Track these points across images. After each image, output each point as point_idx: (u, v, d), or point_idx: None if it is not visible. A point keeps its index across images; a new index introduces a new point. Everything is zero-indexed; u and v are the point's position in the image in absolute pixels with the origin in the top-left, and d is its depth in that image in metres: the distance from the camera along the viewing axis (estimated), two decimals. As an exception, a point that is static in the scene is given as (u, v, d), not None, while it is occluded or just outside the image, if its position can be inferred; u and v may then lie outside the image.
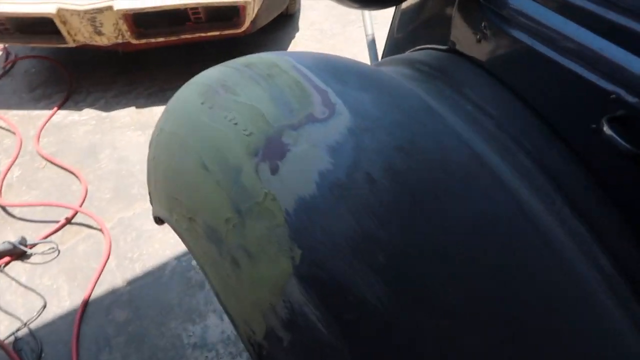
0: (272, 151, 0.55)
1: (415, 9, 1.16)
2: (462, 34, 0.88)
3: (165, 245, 2.02)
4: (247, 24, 2.61)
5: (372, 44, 1.87)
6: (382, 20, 2.34)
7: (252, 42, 3.37)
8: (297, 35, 3.58)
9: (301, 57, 0.72)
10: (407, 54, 1.09)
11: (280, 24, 3.61)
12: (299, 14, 3.85)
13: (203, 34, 2.63)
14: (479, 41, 0.83)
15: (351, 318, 0.45)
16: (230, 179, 0.56)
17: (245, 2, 2.43)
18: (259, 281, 0.51)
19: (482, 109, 0.76)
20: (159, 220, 0.97)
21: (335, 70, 0.67)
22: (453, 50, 0.92)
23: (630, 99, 0.56)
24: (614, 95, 0.58)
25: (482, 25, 0.81)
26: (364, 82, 0.66)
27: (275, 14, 3.13)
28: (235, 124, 0.60)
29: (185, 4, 2.39)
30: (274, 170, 0.53)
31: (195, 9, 2.48)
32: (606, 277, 0.56)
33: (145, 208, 2.21)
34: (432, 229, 0.48)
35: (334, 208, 0.49)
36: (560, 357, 0.47)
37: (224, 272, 0.56)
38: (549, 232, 0.54)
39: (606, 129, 0.57)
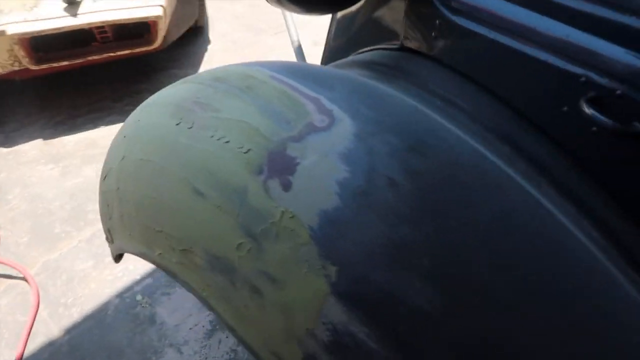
0: (279, 166, 0.51)
1: (354, 13, 1.16)
2: (415, 32, 0.90)
3: (103, 283, 1.85)
4: (159, 40, 2.49)
5: (299, 50, 1.86)
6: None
7: (164, 57, 3.22)
8: (210, 47, 3.48)
9: (273, 65, 0.69)
10: (355, 56, 1.09)
11: (191, 37, 3.49)
12: (208, 26, 3.75)
13: (112, 54, 2.46)
14: (434, 38, 0.84)
15: (405, 328, 0.43)
16: (235, 201, 0.52)
17: (157, 17, 2.31)
18: (289, 307, 0.47)
19: (452, 103, 0.77)
20: (118, 257, 0.89)
21: (315, 76, 0.65)
22: (405, 49, 0.93)
23: (600, 80, 0.60)
24: (583, 78, 0.62)
25: (437, 22, 0.83)
26: (346, 85, 0.64)
27: (185, 28, 3.02)
28: (227, 142, 0.56)
29: (89, 23, 2.22)
30: (287, 187, 0.50)
31: (101, 28, 2.31)
32: (602, 247, 0.60)
33: (73, 246, 2.01)
34: (467, 226, 0.48)
35: (362, 217, 0.47)
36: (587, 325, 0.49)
37: (239, 302, 0.52)
38: (555, 214, 0.56)
39: (586, 108, 0.60)
